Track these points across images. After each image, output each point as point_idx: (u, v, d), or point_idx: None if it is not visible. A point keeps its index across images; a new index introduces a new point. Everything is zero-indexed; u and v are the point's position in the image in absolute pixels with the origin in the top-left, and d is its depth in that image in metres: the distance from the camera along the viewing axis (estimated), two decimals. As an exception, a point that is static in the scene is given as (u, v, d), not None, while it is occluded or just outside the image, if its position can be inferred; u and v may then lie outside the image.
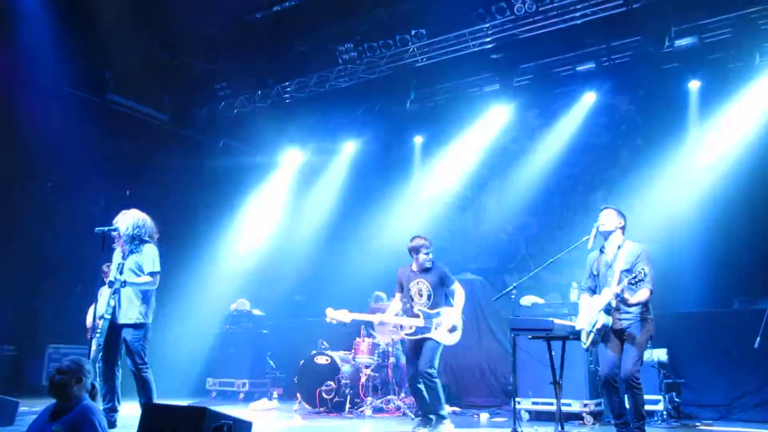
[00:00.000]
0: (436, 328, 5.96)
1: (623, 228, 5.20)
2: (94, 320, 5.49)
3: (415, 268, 6.23)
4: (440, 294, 6.12)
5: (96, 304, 7.57)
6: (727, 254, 8.08)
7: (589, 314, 5.04)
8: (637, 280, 4.72)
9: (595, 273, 5.21)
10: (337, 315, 6.34)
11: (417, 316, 6.04)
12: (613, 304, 4.89)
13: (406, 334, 6.10)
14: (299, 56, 9.98)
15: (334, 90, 10.26)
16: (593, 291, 5.18)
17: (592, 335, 4.94)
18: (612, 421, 5.17)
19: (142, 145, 11.34)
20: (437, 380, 5.92)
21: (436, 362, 5.99)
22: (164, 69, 10.58)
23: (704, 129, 8.79)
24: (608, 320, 4.90)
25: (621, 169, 9.75)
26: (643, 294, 4.86)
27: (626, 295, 4.82)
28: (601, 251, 5.22)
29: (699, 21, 8.16)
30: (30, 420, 3.85)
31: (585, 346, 5.06)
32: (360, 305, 9.49)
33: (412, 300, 6.14)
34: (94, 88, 10.07)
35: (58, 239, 10.57)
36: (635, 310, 4.93)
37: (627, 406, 5.00)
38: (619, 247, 5.09)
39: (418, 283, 6.16)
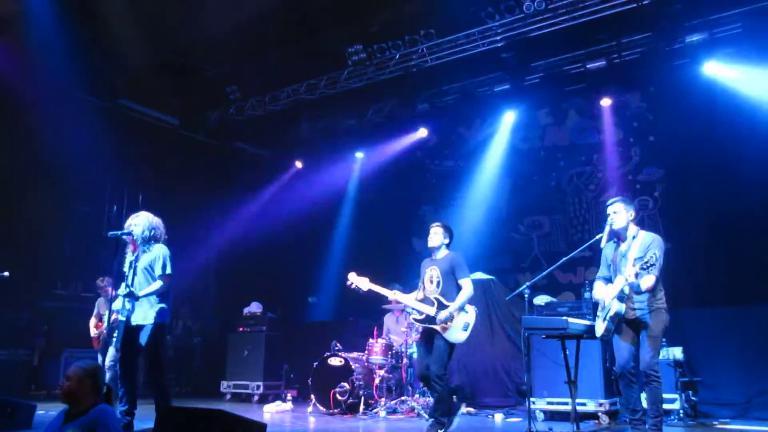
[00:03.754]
0: (446, 321, 5.66)
1: (635, 219, 5.16)
2: (109, 328, 5.53)
3: (433, 255, 6.08)
4: (451, 283, 5.83)
5: (101, 315, 7.69)
6: (745, 251, 8.00)
7: (604, 293, 5.01)
8: (648, 264, 4.66)
9: (610, 263, 5.18)
10: (358, 281, 6.23)
11: (432, 303, 5.80)
12: (626, 291, 4.86)
13: (415, 319, 5.95)
14: (309, 58, 10.01)
15: (344, 91, 10.28)
16: (608, 281, 5.15)
17: (605, 323, 4.91)
18: (627, 418, 5.12)
19: (153, 149, 11.41)
20: (444, 384, 5.69)
21: (447, 363, 5.76)
22: (175, 73, 10.66)
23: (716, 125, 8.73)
24: (621, 308, 4.86)
25: (633, 167, 9.70)
26: (648, 280, 4.80)
27: (640, 281, 4.77)
28: (616, 243, 5.19)
29: (709, 16, 8.11)
30: (46, 423, 3.87)
31: (599, 335, 5.03)
32: (374, 304, 9.50)
33: (425, 288, 5.96)
34: (105, 93, 10.16)
35: (72, 243, 10.66)
36: (644, 298, 4.89)
37: (644, 404, 4.95)
38: (633, 237, 5.05)
39: (431, 270, 5.96)
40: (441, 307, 5.71)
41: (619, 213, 5.13)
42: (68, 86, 9.34)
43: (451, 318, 5.65)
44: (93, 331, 7.75)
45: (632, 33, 8.70)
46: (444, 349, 5.67)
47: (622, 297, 4.89)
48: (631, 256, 4.92)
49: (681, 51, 8.55)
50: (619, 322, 4.93)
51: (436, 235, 6.02)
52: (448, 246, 6.04)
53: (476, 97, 10.40)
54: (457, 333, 5.69)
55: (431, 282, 5.90)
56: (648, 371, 4.80)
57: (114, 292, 5.44)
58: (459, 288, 5.81)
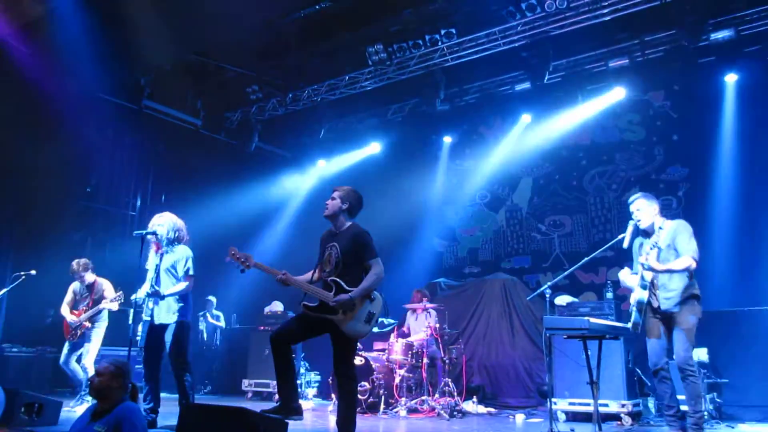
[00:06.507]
0: (345, 313, 4.52)
1: (660, 212, 5.13)
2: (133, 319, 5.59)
3: (334, 228, 4.83)
4: (354, 265, 4.63)
5: (77, 302, 7.52)
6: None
7: (632, 282, 5.04)
8: (666, 256, 4.67)
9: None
10: (240, 256, 4.69)
11: (330, 288, 4.60)
12: (647, 277, 4.83)
13: (305, 306, 4.65)
14: (329, 58, 10.06)
15: (365, 91, 10.31)
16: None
17: (633, 314, 4.88)
18: (663, 413, 5.09)
19: (175, 148, 11.53)
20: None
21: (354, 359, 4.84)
22: (197, 74, 10.77)
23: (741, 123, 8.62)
24: (643, 296, 4.84)
25: (656, 166, 9.61)
26: (681, 261, 4.76)
27: (652, 262, 4.75)
28: (646, 236, 5.16)
29: (736, 13, 8.00)
30: (72, 420, 3.94)
31: (630, 329, 5.00)
32: (395, 303, 9.51)
33: (323, 268, 4.77)
34: (130, 95, 10.30)
35: (97, 242, 10.81)
36: (676, 287, 4.84)
37: (680, 401, 4.92)
38: (660, 228, 5.01)
39: (330, 247, 4.73)
40: (340, 293, 4.57)
41: (642, 210, 5.10)
42: (94, 88, 9.47)
43: (351, 306, 4.51)
44: (71, 318, 7.41)
45: (655, 31, 8.62)
46: (348, 343, 4.63)
47: (644, 285, 4.86)
48: (663, 246, 4.89)
49: (706, 49, 8.45)
50: (647, 315, 4.89)
51: (332, 201, 4.78)
52: (351, 216, 4.84)
53: (497, 97, 10.38)
54: (358, 327, 4.57)
55: (329, 262, 4.70)
56: (684, 366, 4.76)
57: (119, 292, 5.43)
58: (364, 272, 4.64)
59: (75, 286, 7.66)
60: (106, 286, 7.61)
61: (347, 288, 4.55)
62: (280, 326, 4.88)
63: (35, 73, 8.82)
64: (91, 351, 7.39)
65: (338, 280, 4.60)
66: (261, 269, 4.74)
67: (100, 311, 7.46)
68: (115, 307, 7.48)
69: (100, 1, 8.37)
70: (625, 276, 5.16)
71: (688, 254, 4.78)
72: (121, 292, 7.42)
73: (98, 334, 7.48)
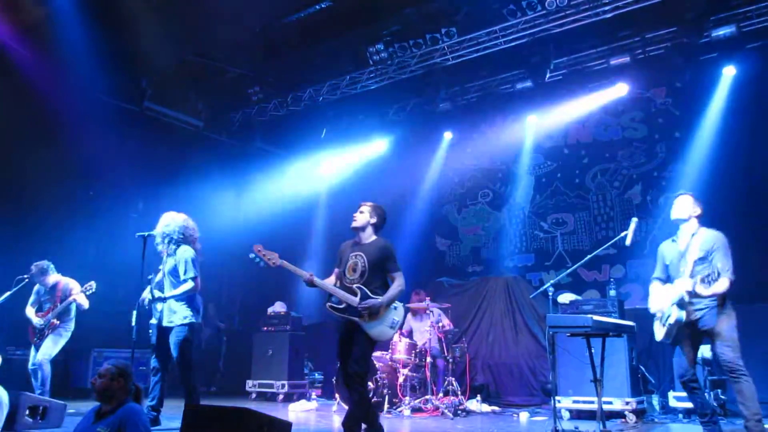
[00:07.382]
0: (370, 312, 4.86)
1: (699, 217, 4.99)
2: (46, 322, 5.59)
3: (359, 239, 5.19)
4: (378, 275, 5.01)
5: (41, 303, 7.26)
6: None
7: (661, 303, 4.92)
8: (710, 279, 4.49)
9: (667, 263, 5.05)
10: (266, 254, 5.11)
11: (354, 293, 4.95)
12: (686, 299, 4.71)
13: (332, 307, 5.00)
14: (330, 58, 10.06)
15: (366, 91, 10.31)
16: (664, 282, 5.06)
17: (665, 328, 4.83)
18: (699, 420, 5.05)
19: (177, 150, 11.54)
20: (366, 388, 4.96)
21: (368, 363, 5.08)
22: (198, 75, 10.78)
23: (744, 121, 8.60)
24: (681, 315, 4.75)
25: (658, 163, 9.60)
26: (721, 284, 4.59)
27: (698, 289, 4.61)
28: (673, 240, 5.09)
29: (737, 9, 7.99)
30: (76, 422, 3.94)
31: (658, 339, 4.96)
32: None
33: (345, 276, 5.07)
34: (131, 97, 10.30)
35: (100, 244, 10.82)
36: (708, 299, 4.74)
37: (713, 404, 4.89)
38: (693, 235, 4.89)
39: (356, 256, 5.06)
40: (365, 298, 4.90)
41: (684, 203, 5.01)
42: (95, 91, 9.48)
43: (377, 311, 4.87)
44: (36, 320, 7.10)
45: (657, 28, 8.60)
46: (367, 345, 4.91)
47: (682, 304, 4.75)
48: (690, 257, 4.79)
49: (707, 45, 8.44)
50: (679, 328, 4.82)
51: (361, 215, 5.15)
52: (377, 230, 5.19)
53: (498, 95, 10.36)
54: (383, 330, 4.95)
55: (354, 270, 5.02)
56: (733, 366, 4.64)
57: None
58: (387, 282, 5.05)
59: (38, 287, 7.39)
60: (73, 285, 7.29)
61: (372, 296, 4.91)
62: (337, 376, 5.36)
63: (36, 76, 8.82)
64: (47, 345, 6.94)
65: (363, 287, 4.94)
66: (287, 268, 5.08)
67: (69, 306, 7.15)
68: (85, 302, 7.20)
69: (101, 3, 8.37)
70: (657, 302, 5.03)
71: (726, 276, 4.64)
72: (93, 282, 7.12)
73: (61, 333, 7.09)
